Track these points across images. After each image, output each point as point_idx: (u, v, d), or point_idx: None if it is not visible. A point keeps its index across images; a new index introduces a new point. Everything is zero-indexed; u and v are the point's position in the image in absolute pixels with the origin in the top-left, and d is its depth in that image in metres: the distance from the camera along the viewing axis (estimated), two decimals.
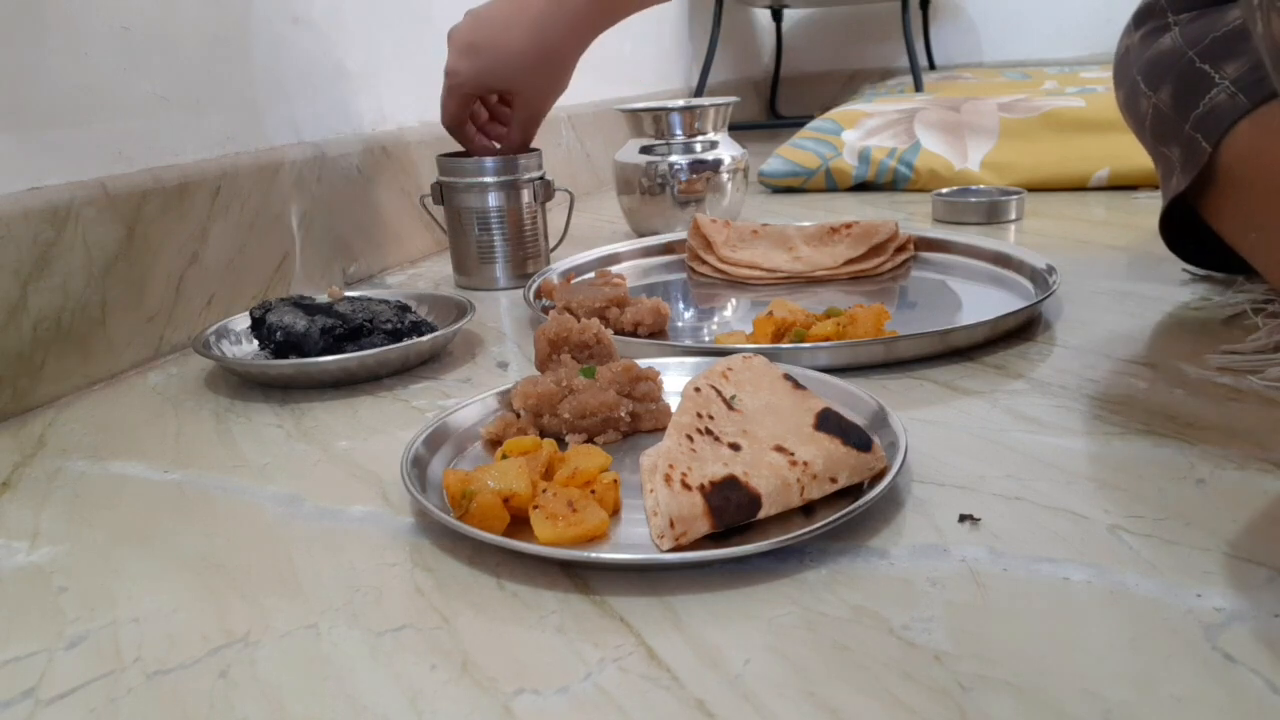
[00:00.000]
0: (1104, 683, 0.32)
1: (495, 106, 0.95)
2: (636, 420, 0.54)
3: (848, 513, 0.41)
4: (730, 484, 0.41)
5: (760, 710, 0.32)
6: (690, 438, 0.45)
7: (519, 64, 0.85)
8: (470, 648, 0.36)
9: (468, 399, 0.56)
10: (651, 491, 0.44)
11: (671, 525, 0.40)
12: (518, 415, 0.54)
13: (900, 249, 0.89)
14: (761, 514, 0.41)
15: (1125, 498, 0.44)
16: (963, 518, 0.43)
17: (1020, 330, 0.68)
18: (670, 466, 0.42)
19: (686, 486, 0.41)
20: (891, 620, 0.36)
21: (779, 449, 0.44)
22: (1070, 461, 0.48)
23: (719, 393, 0.50)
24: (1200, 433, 0.50)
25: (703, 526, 0.41)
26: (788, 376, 0.52)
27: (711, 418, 0.47)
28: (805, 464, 0.43)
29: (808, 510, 0.43)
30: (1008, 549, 0.40)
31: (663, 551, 0.40)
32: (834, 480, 0.43)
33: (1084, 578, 0.38)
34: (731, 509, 0.41)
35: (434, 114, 1.17)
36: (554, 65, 0.87)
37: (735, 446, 0.45)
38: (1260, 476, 0.45)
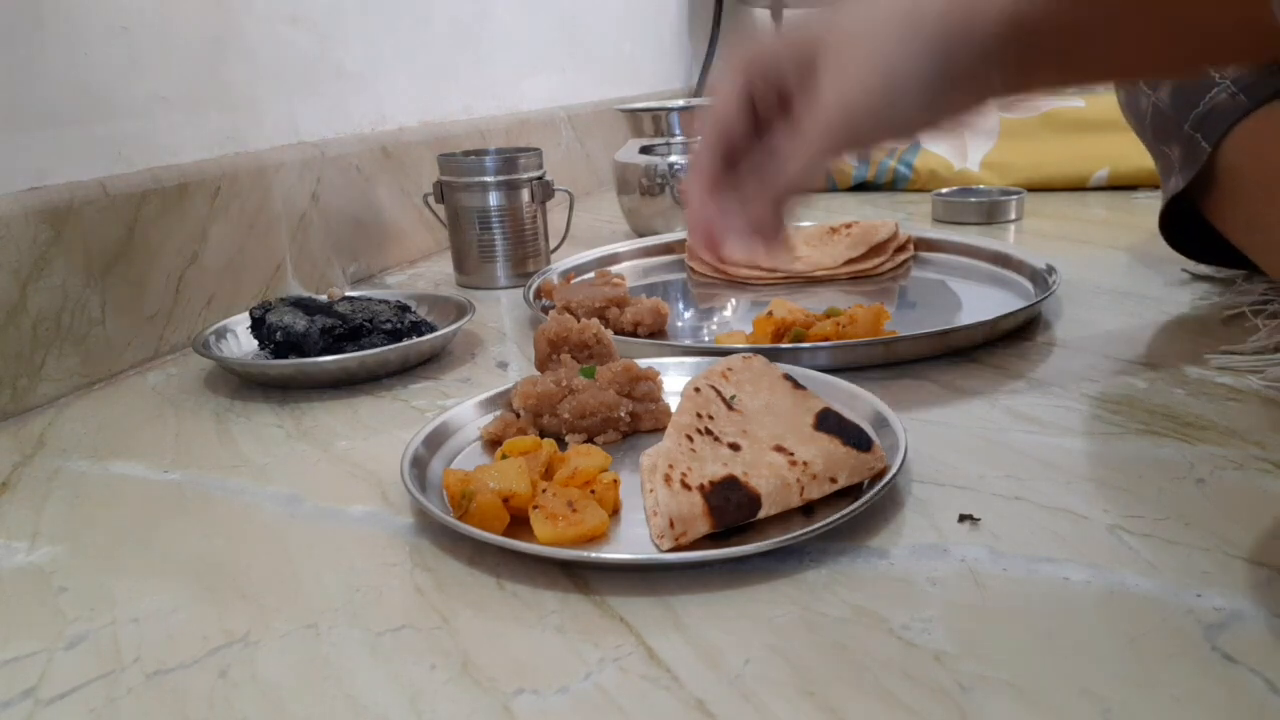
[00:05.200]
0: (1104, 683, 0.32)
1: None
2: (636, 420, 0.54)
3: (848, 513, 0.41)
4: (730, 484, 0.41)
5: (760, 710, 0.32)
6: (690, 438, 0.45)
7: (855, 10, 0.45)
8: (470, 648, 0.36)
9: (467, 399, 0.56)
10: (651, 491, 0.44)
11: (671, 525, 0.40)
12: (518, 415, 0.54)
13: (900, 249, 0.89)
14: (761, 514, 0.41)
15: (1125, 498, 0.44)
16: (963, 518, 0.43)
17: (1020, 330, 0.68)
18: (670, 466, 0.42)
19: (686, 486, 0.41)
20: (891, 620, 0.36)
21: (779, 449, 0.44)
22: (1070, 461, 0.48)
23: (719, 393, 0.50)
24: (1200, 433, 0.50)
25: (702, 526, 0.41)
26: (788, 376, 0.52)
27: (711, 418, 0.47)
28: (805, 464, 0.43)
29: (807, 510, 0.43)
30: (1007, 549, 0.40)
31: (662, 551, 0.40)
32: (834, 480, 0.43)
33: (1083, 578, 0.38)
34: (731, 509, 0.41)
35: (433, 113, 1.18)
36: (905, 24, 0.44)
37: (735, 447, 0.45)
38: (1260, 476, 0.45)
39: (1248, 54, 0.45)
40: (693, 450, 0.44)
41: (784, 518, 0.43)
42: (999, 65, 0.44)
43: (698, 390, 0.50)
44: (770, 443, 0.45)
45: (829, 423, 0.46)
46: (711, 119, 0.46)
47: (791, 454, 0.44)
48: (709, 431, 0.46)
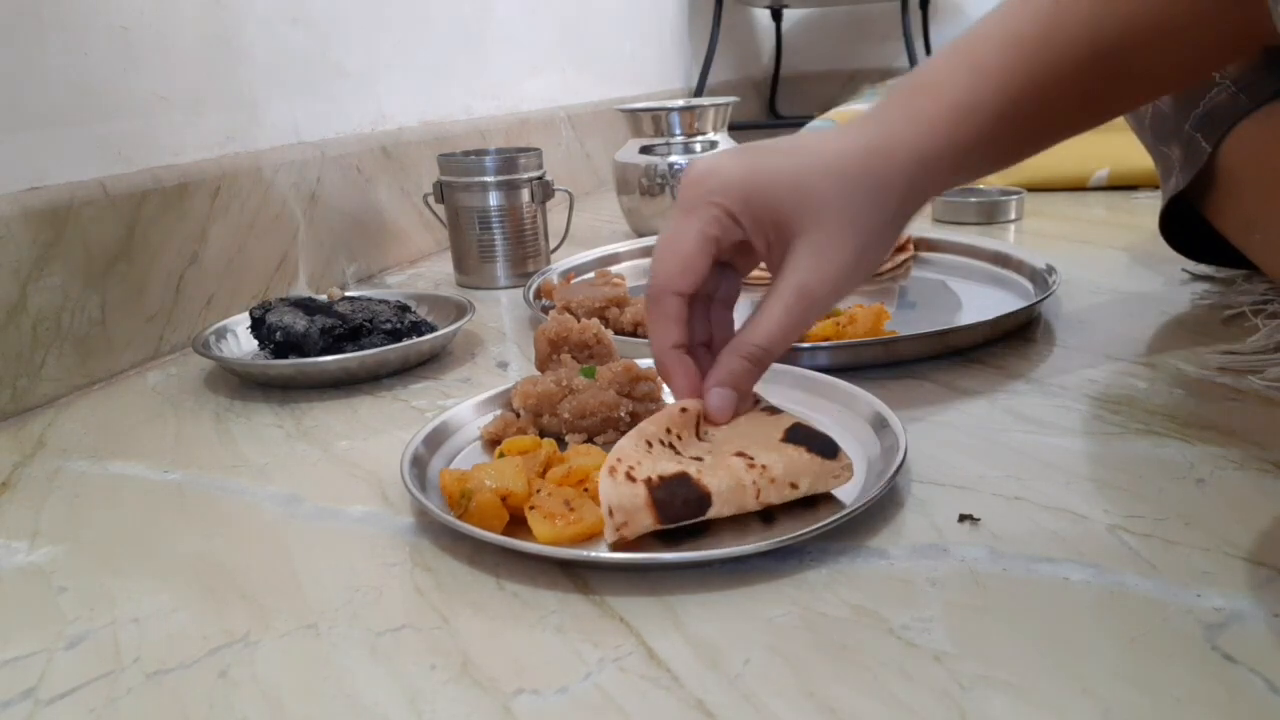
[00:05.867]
0: (1104, 683, 0.32)
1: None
2: (636, 420, 0.54)
3: (848, 513, 0.41)
4: (680, 480, 0.41)
5: (760, 710, 0.32)
6: (650, 444, 0.44)
7: (820, 178, 0.46)
8: (470, 648, 0.36)
9: (467, 399, 0.56)
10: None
11: (610, 514, 0.40)
12: (518, 415, 0.54)
13: (900, 249, 0.89)
14: (711, 513, 0.41)
15: (1125, 498, 0.44)
16: (962, 518, 0.43)
17: (1020, 330, 0.68)
18: (618, 460, 0.42)
19: (631, 479, 0.40)
20: (891, 620, 0.36)
21: (739, 454, 0.43)
22: (1070, 461, 0.48)
23: (698, 422, 0.48)
24: (1200, 433, 0.50)
25: (646, 519, 0.40)
26: (767, 407, 0.49)
27: (679, 438, 0.46)
28: (764, 467, 0.42)
29: (767, 518, 0.43)
30: (1007, 549, 0.40)
31: (608, 545, 0.40)
32: (794, 486, 0.42)
33: (1083, 578, 0.38)
34: (678, 504, 0.40)
35: (433, 113, 1.18)
36: (877, 194, 0.46)
37: (696, 459, 0.44)
38: (1260, 476, 0.45)
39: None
40: (649, 452, 0.43)
41: (783, 519, 0.43)
42: (947, 186, 0.50)
43: (684, 410, 0.47)
44: (732, 452, 0.44)
45: (797, 434, 0.45)
46: (679, 264, 0.47)
47: (751, 459, 0.43)
48: (671, 445, 0.45)
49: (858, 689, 0.32)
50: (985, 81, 0.47)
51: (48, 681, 0.36)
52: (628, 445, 0.43)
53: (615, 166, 1.11)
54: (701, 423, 0.48)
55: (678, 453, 0.44)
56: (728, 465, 0.42)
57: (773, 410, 0.49)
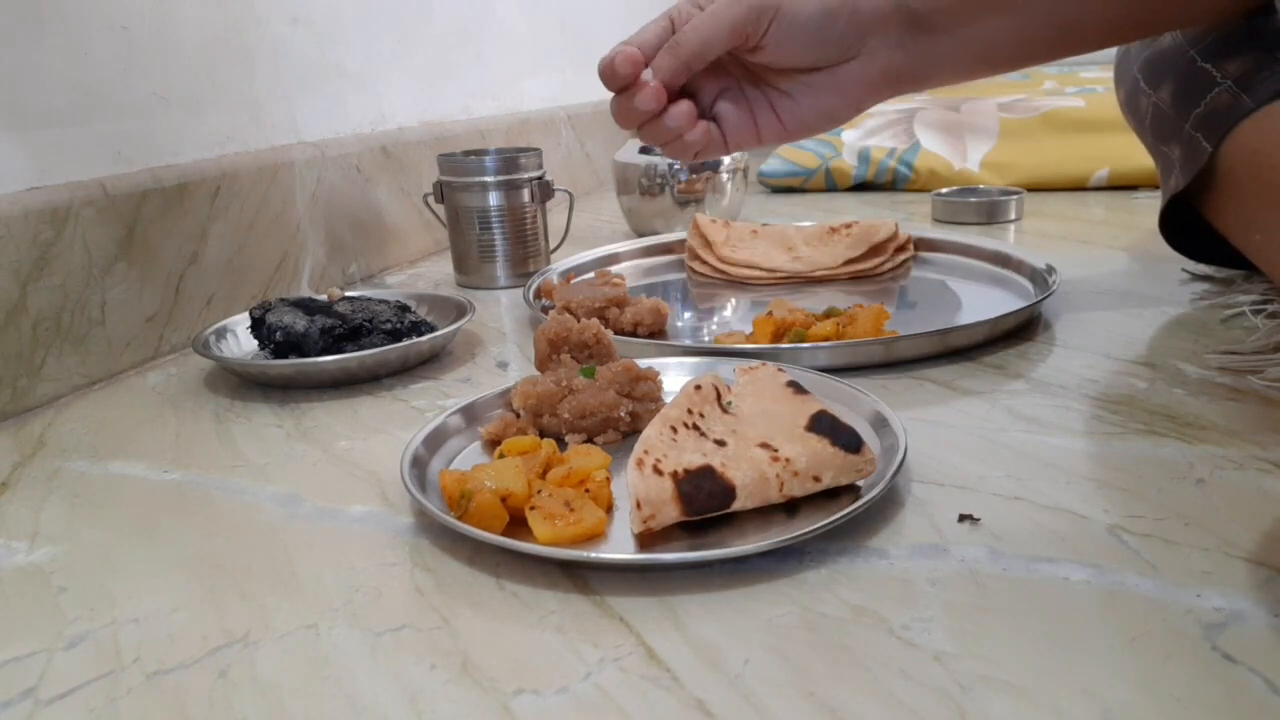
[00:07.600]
0: (1104, 683, 0.32)
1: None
2: (636, 420, 0.54)
3: (848, 513, 0.41)
4: (705, 473, 0.41)
5: (760, 710, 0.32)
6: (674, 429, 0.45)
7: None
8: (470, 648, 0.36)
9: (467, 399, 0.56)
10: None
11: (639, 506, 0.40)
12: (517, 415, 0.54)
13: (900, 249, 0.89)
14: (736, 505, 0.41)
15: (1125, 498, 0.44)
16: (962, 518, 0.43)
17: (1020, 330, 0.68)
18: (645, 452, 0.43)
19: (658, 472, 0.41)
20: (891, 620, 0.36)
21: (764, 445, 0.44)
22: (1070, 461, 0.48)
23: (718, 394, 0.50)
24: (1200, 433, 0.50)
25: (672, 512, 0.41)
26: (792, 383, 0.51)
27: (702, 416, 0.47)
28: (788, 460, 0.43)
29: (790, 509, 0.43)
30: (1007, 549, 0.40)
31: (634, 534, 0.41)
32: (817, 479, 0.43)
33: (1083, 578, 0.38)
34: (703, 497, 0.41)
35: (433, 113, 1.18)
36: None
37: (720, 443, 0.45)
38: (1260, 476, 0.45)
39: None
40: (674, 440, 0.44)
41: (783, 518, 0.43)
42: None
43: (698, 388, 0.50)
44: (756, 441, 0.45)
45: (821, 424, 0.45)
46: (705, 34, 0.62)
47: (775, 450, 0.43)
48: (696, 427, 0.46)
49: (858, 689, 0.32)
50: None
51: (48, 681, 0.36)
52: (653, 435, 0.44)
53: (615, 166, 1.11)
54: (723, 394, 0.49)
55: (703, 434, 0.46)
56: (751, 458, 0.43)
57: (798, 389, 0.50)
